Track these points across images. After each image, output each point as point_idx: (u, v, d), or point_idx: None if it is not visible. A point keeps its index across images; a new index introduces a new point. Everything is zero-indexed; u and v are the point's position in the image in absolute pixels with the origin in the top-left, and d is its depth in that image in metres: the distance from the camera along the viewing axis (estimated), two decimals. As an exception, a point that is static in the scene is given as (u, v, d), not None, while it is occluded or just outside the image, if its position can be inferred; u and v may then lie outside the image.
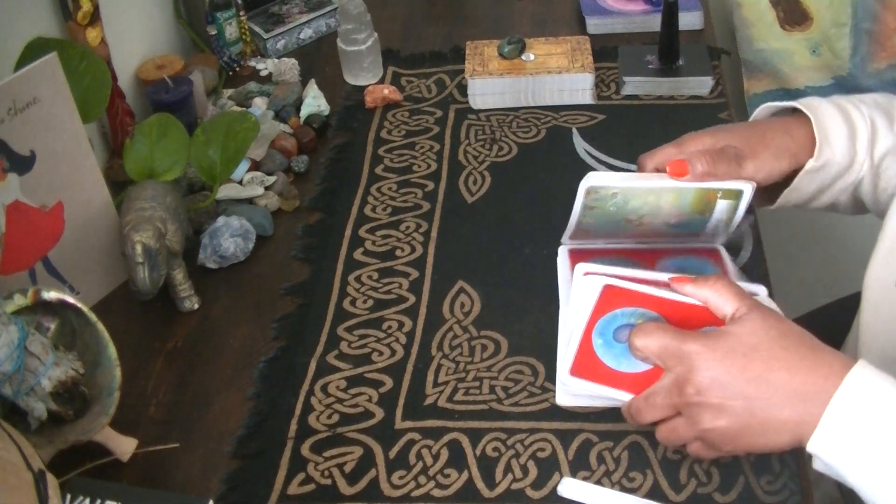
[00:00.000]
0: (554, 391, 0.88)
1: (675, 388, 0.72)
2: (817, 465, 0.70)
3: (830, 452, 0.67)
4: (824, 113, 0.87)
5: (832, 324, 1.01)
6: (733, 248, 0.96)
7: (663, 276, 0.81)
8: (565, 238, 0.94)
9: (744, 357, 0.70)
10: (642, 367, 0.76)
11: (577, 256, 0.92)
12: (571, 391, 0.82)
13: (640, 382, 0.76)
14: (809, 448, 0.68)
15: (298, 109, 1.25)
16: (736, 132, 0.88)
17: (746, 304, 0.73)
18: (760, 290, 0.80)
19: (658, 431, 0.75)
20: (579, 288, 0.82)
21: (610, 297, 0.80)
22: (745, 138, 0.86)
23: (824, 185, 0.88)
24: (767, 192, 0.90)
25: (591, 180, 0.85)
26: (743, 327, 0.71)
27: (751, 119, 0.94)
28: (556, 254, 0.99)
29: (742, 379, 0.69)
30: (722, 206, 0.87)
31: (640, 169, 0.90)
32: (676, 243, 0.94)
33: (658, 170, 0.88)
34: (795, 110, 0.88)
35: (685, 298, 0.78)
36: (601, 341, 0.79)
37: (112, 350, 0.83)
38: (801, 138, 0.86)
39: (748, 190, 0.85)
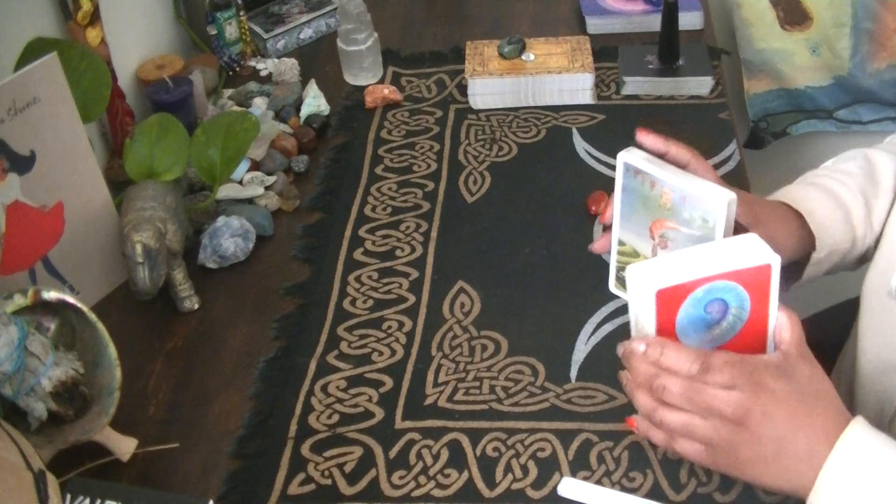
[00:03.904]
0: (554, 391, 0.88)
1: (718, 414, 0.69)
2: None
3: None
4: (815, 204, 0.86)
5: (832, 328, 1.01)
6: None
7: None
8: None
9: (799, 397, 0.68)
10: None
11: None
12: None
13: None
14: None
15: (298, 109, 1.25)
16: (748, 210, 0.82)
17: (797, 347, 0.71)
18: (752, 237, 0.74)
19: (677, 445, 0.72)
20: (637, 297, 0.73)
21: (667, 300, 0.72)
22: (756, 221, 0.83)
23: (834, 265, 0.89)
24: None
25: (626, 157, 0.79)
26: (802, 372, 0.69)
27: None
28: (557, 252, 0.99)
29: (790, 423, 0.68)
30: None
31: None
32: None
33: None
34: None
35: (735, 267, 0.70)
36: (689, 328, 0.72)
37: (112, 350, 0.83)
38: (799, 231, 0.85)
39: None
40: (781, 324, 0.71)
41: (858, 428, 0.68)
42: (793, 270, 0.88)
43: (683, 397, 0.69)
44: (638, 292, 0.72)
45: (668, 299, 0.71)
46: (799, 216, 0.86)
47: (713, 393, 0.68)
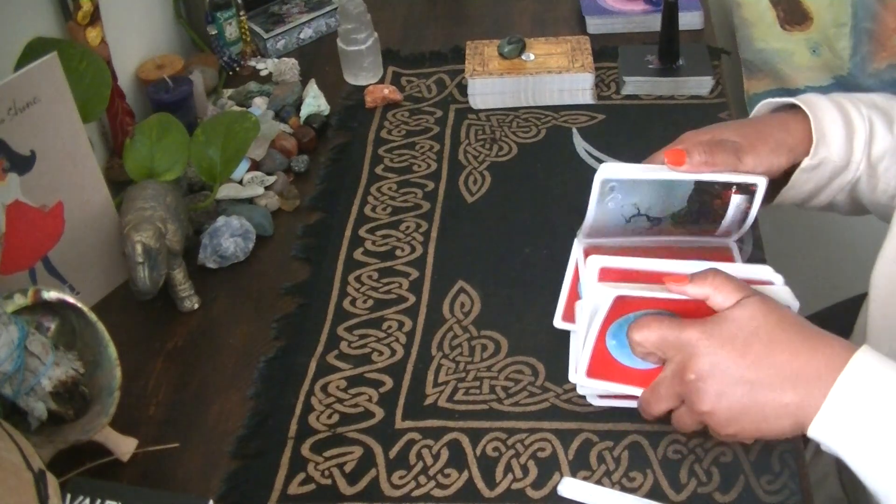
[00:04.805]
0: (554, 391, 0.88)
1: (676, 377, 0.73)
2: (823, 446, 0.70)
3: (831, 438, 0.68)
4: (823, 111, 0.86)
5: (835, 326, 1.01)
6: None
7: (677, 267, 0.80)
8: (581, 235, 0.92)
9: (744, 341, 0.70)
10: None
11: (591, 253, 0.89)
12: (589, 390, 0.85)
13: (654, 377, 0.77)
14: (810, 433, 0.69)
15: (298, 109, 1.25)
16: (734, 128, 0.87)
17: (746, 294, 0.73)
18: (776, 279, 0.79)
19: (672, 420, 0.77)
20: (592, 295, 0.81)
21: (621, 306, 0.79)
22: (744, 133, 0.86)
23: (821, 184, 0.88)
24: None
25: (605, 172, 0.84)
26: (743, 311, 0.71)
27: (751, 115, 0.94)
28: (557, 252, 0.99)
29: (742, 363, 0.70)
30: (736, 201, 0.87)
31: None
32: (691, 240, 0.93)
33: None
34: (794, 106, 0.89)
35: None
36: (615, 342, 0.79)
37: (112, 350, 0.83)
38: (799, 134, 0.86)
39: (762, 184, 0.85)
40: (714, 303, 0.74)
41: (863, 354, 0.68)
42: (780, 182, 0.88)
43: (655, 398, 0.76)
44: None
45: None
46: (803, 119, 0.86)
47: (658, 382, 0.75)
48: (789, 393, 0.69)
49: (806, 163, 0.85)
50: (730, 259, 0.90)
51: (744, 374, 0.70)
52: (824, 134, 0.85)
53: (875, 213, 0.90)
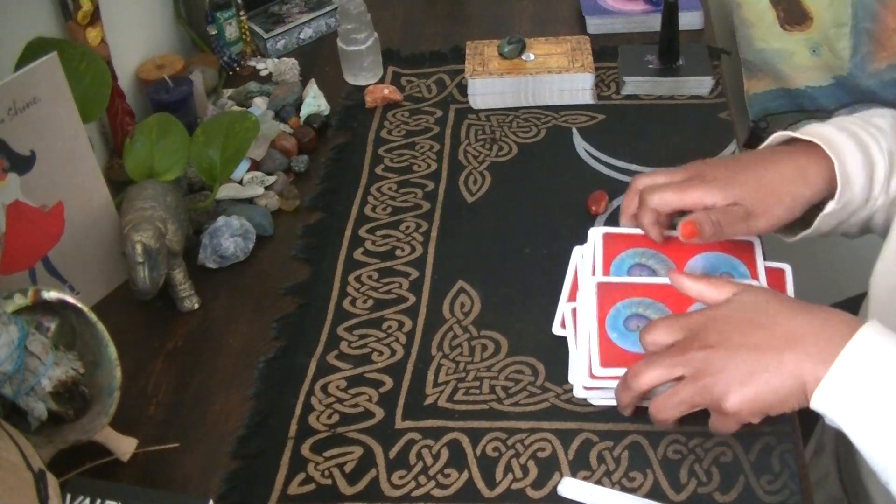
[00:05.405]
0: (554, 391, 0.88)
1: (678, 348, 0.75)
2: (826, 419, 0.71)
3: (835, 409, 0.69)
4: (845, 154, 0.85)
5: None
6: None
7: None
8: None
9: (752, 312, 0.74)
10: None
11: (610, 240, 0.93)
12: (598, 389, 0.85)
13: None
14: (813, 404, 0.70)
15: (298, 109, 1.25)
16: (746, 185, 0.86)
17: (743, 287, 0.77)
18: (786, 267, 0.85)
19: (653, 402, 0.76)
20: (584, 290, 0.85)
21: (606, 293, 0.84)
22: (756, 192, 0.85)
23: (841, 221, 0.88)
24: (784, 227, 0.90)
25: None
26: (746, 296, 0.75)
27: (764, 145, 0.92)
28: (557, 252, 0.99)
29: (747, 330, 0.73)
30: None
31: (631, 189, 0.93)
32: None
33: (658, 213, 0.90)
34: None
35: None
36: (616, 335, 0.83)
37: (112, 350, 0.83)
38: (818, 183, 0.85)
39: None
40: (709, 297, 0.78)
41: (870, 327, 0.69)
42: (799, 220, 0.89)
43: (647, 364, 0.76)
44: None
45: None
46: (821, 160, 0.85)
47: (657, 354, 0.76)
48: (790, 352, 0.70)
49: (831, 208, 0.85)
50: (750, 254, 0.91)
51: (748, 340, 0.72)
52: (848, 179, 0.84)
53: (880, 235, 0.90)
